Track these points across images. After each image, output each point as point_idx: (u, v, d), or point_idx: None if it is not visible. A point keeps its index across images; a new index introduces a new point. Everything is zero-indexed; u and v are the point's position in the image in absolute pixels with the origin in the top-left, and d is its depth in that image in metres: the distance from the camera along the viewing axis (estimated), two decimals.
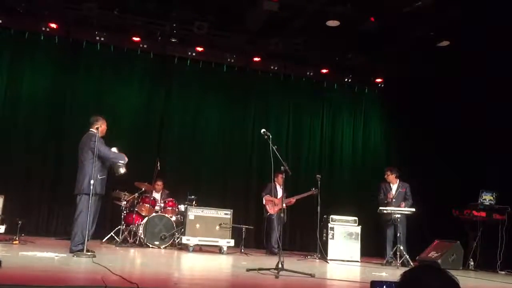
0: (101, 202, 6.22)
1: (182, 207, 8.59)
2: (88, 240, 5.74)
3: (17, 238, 6.89)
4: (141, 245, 8.08)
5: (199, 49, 10.23)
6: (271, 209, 8.74)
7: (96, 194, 5.90)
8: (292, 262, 6.88)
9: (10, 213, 7.75)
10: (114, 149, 6.14)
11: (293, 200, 8.88)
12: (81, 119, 9.11)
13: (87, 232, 5.66)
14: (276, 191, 8.77)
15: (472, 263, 8.32)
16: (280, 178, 8.85)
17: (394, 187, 8.49)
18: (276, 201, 8.64)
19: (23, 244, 6.74)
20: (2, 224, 7.41)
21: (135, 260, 6.50)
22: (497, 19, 7.77)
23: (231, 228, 8.11)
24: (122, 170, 6.11)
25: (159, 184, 9.08)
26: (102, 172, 6.05)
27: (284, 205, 8.76)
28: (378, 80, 11.54)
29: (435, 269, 1.59)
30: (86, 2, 8.88)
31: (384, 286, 1.87)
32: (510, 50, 8.14)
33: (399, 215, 7.95)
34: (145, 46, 10.03)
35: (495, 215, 8.39)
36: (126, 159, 6.10)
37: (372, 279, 2.00)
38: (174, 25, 9.54)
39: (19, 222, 7.06)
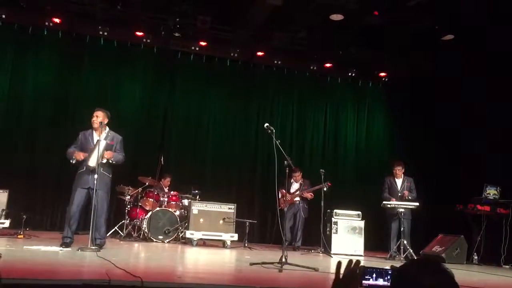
0: (95, 196, 5.78)
1: (186, 202, 8.61)
2: (71, 232, 5.91)
3: (21, 232, 6.94)
4: (145, 239, 8.10)
5: (203, 43, 10.19)
6: (282, 204, 8.72)
7: (76, 187, 6.07)
8: (296, 256, 6.89)
9: (15, 207, 7.76)
10: (102, 143, 5.98)
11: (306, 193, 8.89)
12: (84, 113, 9.12)
13: (68, 223, 5.90)
14: (291, 187, 8.77)
15: (476, 257, 8.32)
16: (295, 175, 8.88)
17: (399, 181, 8.48)
18: (288, 196, 8.61)
19: (28, 238, 6.79)
20: (7, 219, 7.43)
21: (139, 254, 6.53)
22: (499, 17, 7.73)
23: (234, 223, 8.14)
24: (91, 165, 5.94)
25: (168, 180, 9.10)
26: (80, 165, 6.13)
27: (297, 199, 8.82)
28: (382, 74, 11.48)
29: (427, 264, 1.48)
30: None
31: (374, 274, 1.84)
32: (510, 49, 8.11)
33: (403, 209, 7.95)
34: (148, 40, 10.01)
35: (499, 209, 8.39)
36: (74, 160, 6.07)
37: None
38: (178, 19, 9.51)
39: (24, 216, 7.10)
